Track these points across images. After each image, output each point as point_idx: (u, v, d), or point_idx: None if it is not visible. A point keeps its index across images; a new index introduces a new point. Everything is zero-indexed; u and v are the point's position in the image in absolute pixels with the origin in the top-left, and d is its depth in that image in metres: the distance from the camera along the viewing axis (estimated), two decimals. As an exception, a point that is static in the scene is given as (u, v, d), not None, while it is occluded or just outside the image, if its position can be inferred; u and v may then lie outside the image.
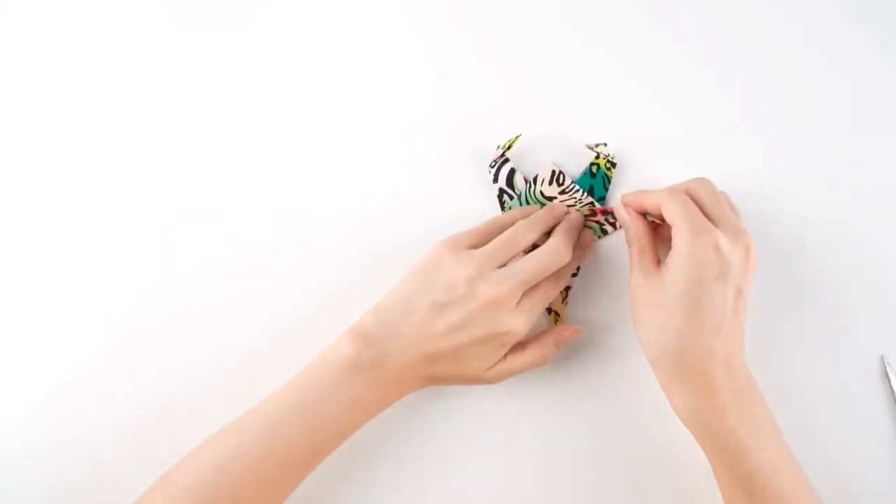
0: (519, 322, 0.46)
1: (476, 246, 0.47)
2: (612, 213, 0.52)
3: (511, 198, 0.52)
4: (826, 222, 0.53)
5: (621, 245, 0.50)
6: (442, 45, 0.56)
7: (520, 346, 0.48)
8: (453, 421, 0.51)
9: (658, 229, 0.48)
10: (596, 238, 0.52)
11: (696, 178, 0.47)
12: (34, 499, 0.50)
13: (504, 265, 0.46)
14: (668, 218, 0.45)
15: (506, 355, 0.47)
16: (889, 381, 0.51)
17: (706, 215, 0.45)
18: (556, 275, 0.48)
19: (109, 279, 0.53)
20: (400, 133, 0.54)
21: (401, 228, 0.53)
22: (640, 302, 0.45)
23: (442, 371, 0.46)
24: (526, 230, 0.48)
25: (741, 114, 0.54)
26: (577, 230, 0.50)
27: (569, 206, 0.52)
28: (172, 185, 0.54)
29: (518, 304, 0.46)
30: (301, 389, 0.45)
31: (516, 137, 0.53)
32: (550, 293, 0.48)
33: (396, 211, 0.53)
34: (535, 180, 0.52)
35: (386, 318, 0.46)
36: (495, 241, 0.47)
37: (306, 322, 0.52)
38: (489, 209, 0.53)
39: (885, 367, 0.51)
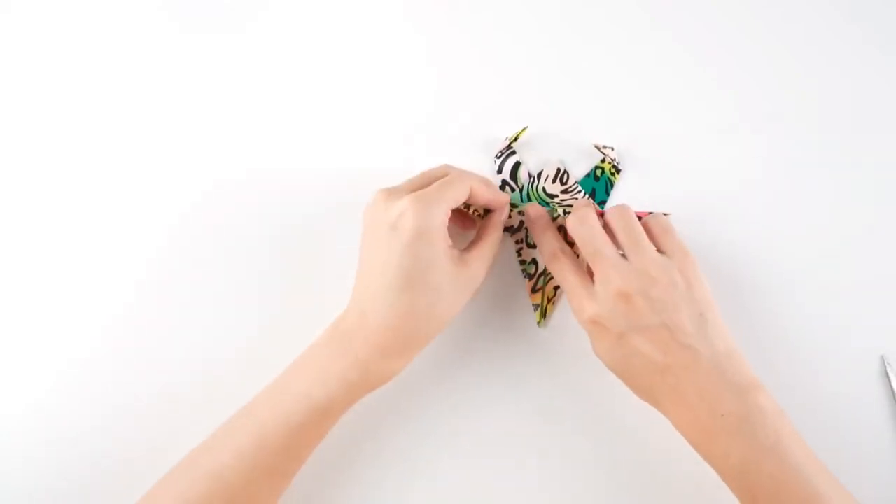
0: (403, 203, 0.43)
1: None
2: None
3: (513, 190, 0.53)
4: (826, 222, 0.53)
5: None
6: (442, 45, 0.56)
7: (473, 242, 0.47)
8: (453, 418, 0.51)
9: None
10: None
11: (614, 208, 0.47)
12: (35, 499, 0.50)
13: None
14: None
15: (464, 251, 0.46)
16: (889, 381, 0.51)
17: (620, 244, 0.45)
18: (494, 216, 0.48)
19: (109, 279, 0.53)
20: (400, 132, 0.54)
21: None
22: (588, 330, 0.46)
23: (418, 328, 0.44)
24: (459, 178, 0.46)
25: (741, 114, 0.54)
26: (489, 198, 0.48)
27: (569, 205, 0.52)
28: (172, 184, 0.54)
29: (467, 252, 0.46)
30: (286, 390, 0.45)
31: (523, 129, 0.53)
32: (444, 191, 0.45)
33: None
34: (539, 176, 0.52)
35: (359, 300, 0.45)
36: (429, 186, 0.45)
37: (308, 320, 0.52)
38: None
39: (885, 367, 0.51)
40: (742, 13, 0.55)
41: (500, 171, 0.53)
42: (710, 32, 0.55)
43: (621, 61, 0.55)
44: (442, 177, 0.46)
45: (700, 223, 0.52)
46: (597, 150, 0.53)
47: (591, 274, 0.46)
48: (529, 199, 0.52)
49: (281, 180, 0.54)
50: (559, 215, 0.51)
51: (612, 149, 0.53)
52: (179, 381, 0.51)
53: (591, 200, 0.52)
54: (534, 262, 0.52)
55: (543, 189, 0.52)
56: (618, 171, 0.52)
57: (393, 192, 0.45)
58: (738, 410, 0.42)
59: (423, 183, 0.46)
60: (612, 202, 0.53)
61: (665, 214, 0.49)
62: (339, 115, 0.55)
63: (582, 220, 0.46)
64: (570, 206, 0.52)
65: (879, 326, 0.51)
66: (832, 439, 0.50)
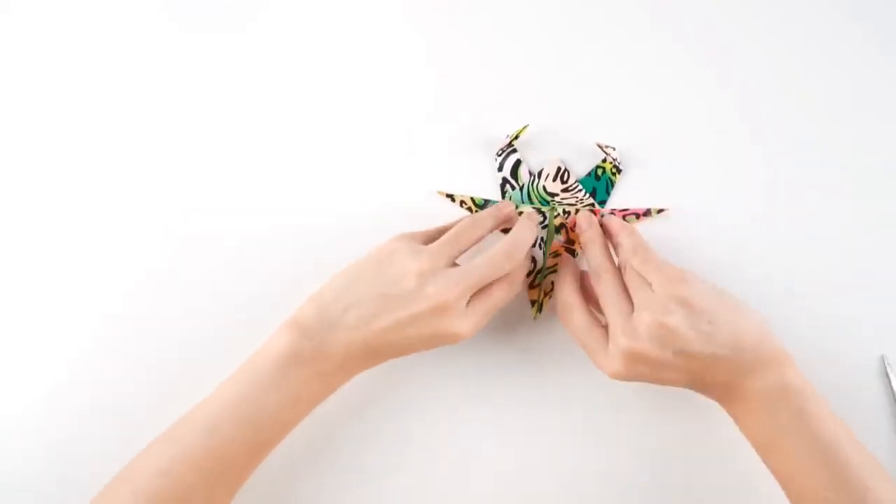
0: (466, 326, 0.45)
1: (428, 244, 0.47)
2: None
3: (513, 188, 0.53)
4: (826, 222, 0.53)
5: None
6: (442, 45, 0.56)
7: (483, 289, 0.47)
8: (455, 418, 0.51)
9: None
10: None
11: (623, 243, 0.47)
12: (36, 500, 0.50)
13: (456, 266, 0.46)
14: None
15: (470, 302, 0.46)
16: (889, 381, 0.51)
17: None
18: (510, 279, 0.47)
19: (108, 279, 0.53)
20: (400, 132, 0.54)
21: (401, 228, 0.53)
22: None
23: (388, 353, 0.46)
24: (471, 225, 0.47)
25: (741, 114, 0.54)
26: (531, 232, 0.48)
27: (570, 204, 0.52)
28: (172, 184, 0.54)
29: (468, 305, 0.45)
30: (239, 386, 0.44)
31: (524, 127, 0.53)
32: (503, 297, 0.47)
33: (397, 211, 0.53)
34: (539, 174, 0.52)
35: (327, 309, 0.45)
36: (443, 237, 0.47)
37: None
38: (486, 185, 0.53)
39: (885, 367, 0.51)
40: (742, 13, 0.55)
41: (500, 169, 0.53)
42: (710, 32, 0.55)
43: (622, 61, 0.55)
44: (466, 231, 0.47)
45: (699, 223, 0.52)
46: (598, 150, 0.53)
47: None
48: (530, 198, 0.52)
49: (281, 180, 0.54)
50: (559, 214, 0.51)
51: (614, 149, 0.53)
52: (179, 381, 0.51)
53: (591, 215, 0.51)
54: (532, 259, 0.52)
55: (544, 187, 0.52)
56: (619, 171, 0.53)
57: (432, 258, 0.45)
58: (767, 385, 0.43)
59: (456, 244, 0.47)
60: (612, 202, 0.53)
61: (660, 211, 0.49)
62: (340, 115, 0.55)
63: (597, 279, 0.47)
64: (571, 204, 0.52)
65: (879, 326, 0.51)
66: (832, 439, 0.50)
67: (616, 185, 0.53)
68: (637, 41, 0.55)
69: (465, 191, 0.53)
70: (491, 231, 0.49)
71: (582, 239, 0.49)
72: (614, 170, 0.52)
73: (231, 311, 0.52)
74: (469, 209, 0.52)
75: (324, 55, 0.56)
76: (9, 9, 0.56)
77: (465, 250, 0.47)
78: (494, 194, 0.53)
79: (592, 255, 0.48)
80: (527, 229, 0.48)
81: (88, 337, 0.52)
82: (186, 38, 0.56)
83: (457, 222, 0.49)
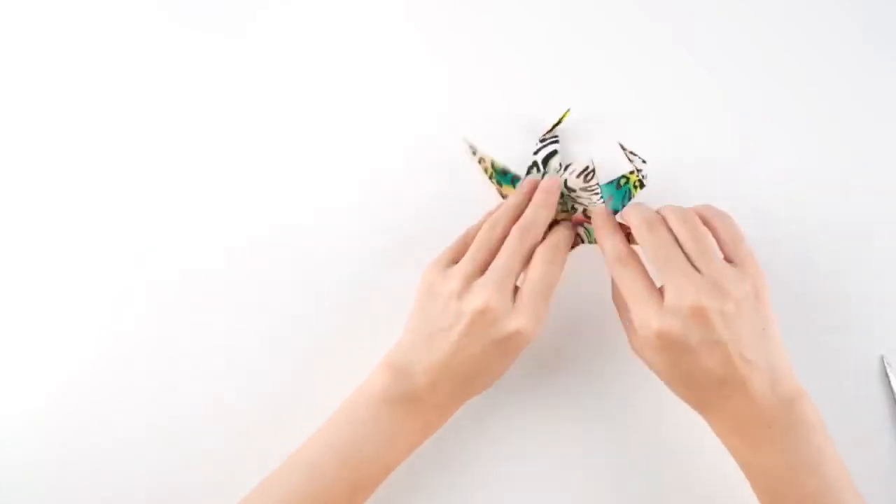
0: (522, 320, 0.44)
1: (457, 260, 0.47)
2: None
3: (539, 171, 0.52)
4: (825, 222, 0.53)
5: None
6: (442, 45, 0.56)
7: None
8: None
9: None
10: (588, 242, 0.51)
11: (678, 212, 0.45)
12: (36, 500, 0.50)
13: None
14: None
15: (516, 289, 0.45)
16: (889, 381, 0.51)
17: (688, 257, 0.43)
18: (544, 256, 0.46)
19: (110, 281, 0.53)
20: (401, 132, 0.54)
21: (403, 231, 0.53)
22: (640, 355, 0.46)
23: (481, 382, 0.46)
24: (490, 227, 0.47)
25: (741, 113, 0.54)
26: (545, 208, 0.48)
27: (581, 202, 0.51)
28: (173, 185, 0.54)
29: (515, 301, 0.45)
30: (338, 427, 0.45)
31: (567, 112, 0.52)
32: (545, 276, 0.45)
33: (397, 212, 0.53)
34: (566, 168, 0.51)
35: (409, 354, 0.45)
36: (469, 250, 0.47)
37: (316, 324, 0.52)
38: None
39: (885, 367, 0.51)
40: (743, 13, 0.55)
41: (536, 153, 0.52)
42: (710, 32, 0.55)
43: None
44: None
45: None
46: (626, 159, 0.51)
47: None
48: None
49: (281, 180, 0.54)
50: (571, 209, 0.51)
51: (644, 162, 0.51)
52: (184, 387, 0.51)
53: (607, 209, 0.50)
54: (575, 230, 0.51)
55: (566, 181, 0.50)
56: (642, 185, 0.51)
57: (464, 274, 0.45)
58: (785, 422, 0.42)
59: (482, 251, 0.46)
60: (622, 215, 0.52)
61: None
62: (340, 115, 0.55)
63: (651, 227, 0.44)
64: (583, 204, 0.50)
65: (879, 326, 0.51)
66: (832, 439, 0.50)
67: (633, 199, 0.52)
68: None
69: (469, 201, 0.52)
70: (513, 223, 0.47)
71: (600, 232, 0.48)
72: (638, 183, 0.51)
73: (231, 311, 0.52)
74: (485, 170, 0.52)
75: (324, 56, 0.56)
76: (9, 8, 0.56)
77: (495, 252, 0.47)
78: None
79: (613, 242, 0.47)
80: (538, 206, 0.47)
81: (92, 341, 0.52)
82: (186, 38, 0.56)
83: (475, 226, 0.49)
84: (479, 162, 0.52)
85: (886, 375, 0.51)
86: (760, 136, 0.54)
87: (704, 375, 0.43)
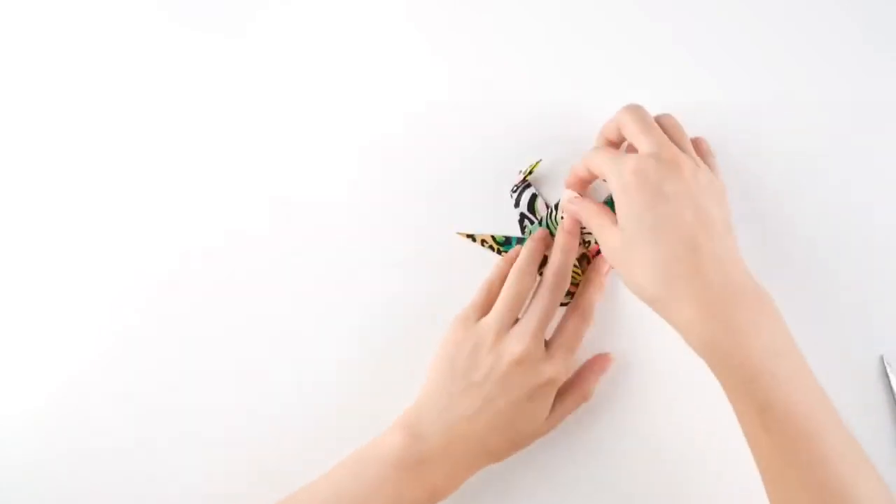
0: (554, 368, 0.45)
1: (484, 314, 0.47)
2: None
3: (532, 223, 0.52)
4: (825, 222, 0.53)
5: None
6: (443, 46, 0.56)
7: (559, 391, 0.47)
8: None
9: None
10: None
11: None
12: (36, 500, 0.50)
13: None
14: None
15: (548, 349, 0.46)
16: (889, 381, 0.51)
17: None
18: (579, 309, 0.48)
19: (110, 280, 0.53)
20: (400, 132, 0.54)
21: (403, 234, 0.53)
22: (619, 261, 0.45)
23: (497, 444, 0.46)
24: (518, 279, 0.48)
25: (740, 111, 0.54)
26: (570, 251, 0.49)
27: (585, 232, 0.51)
28: (173, 185, 0.54)
29: (547, 350, 0.46)
30: (345, 481, 0.45)
31: (537, 162, 0.52)
32: (578, 326, 0.48)
33: (398, 213, 0.53)
34: (556, 206, 0.52)
35: (428, 415, 0.45)
36: (498, 302, 0.47)
37: (314, 328, 0.52)
38: (498, 219, 0.53)
39: (885, 367, 0.51)
40: (744, 13, 0.55)
41: (517, 205, 0.52)
42: (710, 32, 0.55)
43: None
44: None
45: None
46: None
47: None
48: (550, 231, 0.51)
49: (282, 179, 0.54)
50: (585, 244, 0.51)
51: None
52: (182, 386, 0.52)
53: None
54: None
55: (561, 218, 0.51)
56: None
57: (497, 327, 0.46)
58: (756, 305, 0.43)
59: (512, 302, 0.47)
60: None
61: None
62: (341, 116, 0.55)
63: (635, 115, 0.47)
64: (589, 233, 0.51)
65: (879, 326, 0.51)
66: (832, 439, 0.50)
67: None
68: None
69: (471, 206, 0.53)
70: (535, 270, 0.49)
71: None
72: None
73: (232, 315, 0.52)
74: (490, 247, 0.52)
75: (324, 56, 0.56)
76: (9, 8, 0.56)
77: (525, 301, 0.47)
78: (507, 224, 0.53)
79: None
80: (565, 250, 0.49)
81: (92, 341, 0.52)
82: (186, 38, 0.56)
83: (494, 279, 0.49)
84: (482, 244, 0.52)
85: (886, 375, 0.51)
86: (760, 136, 0.54)
87: (675, 226, 0.42)
